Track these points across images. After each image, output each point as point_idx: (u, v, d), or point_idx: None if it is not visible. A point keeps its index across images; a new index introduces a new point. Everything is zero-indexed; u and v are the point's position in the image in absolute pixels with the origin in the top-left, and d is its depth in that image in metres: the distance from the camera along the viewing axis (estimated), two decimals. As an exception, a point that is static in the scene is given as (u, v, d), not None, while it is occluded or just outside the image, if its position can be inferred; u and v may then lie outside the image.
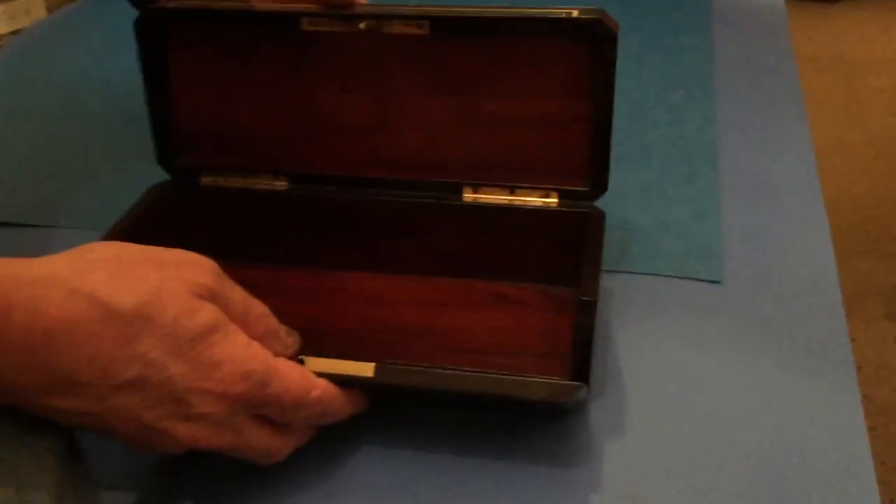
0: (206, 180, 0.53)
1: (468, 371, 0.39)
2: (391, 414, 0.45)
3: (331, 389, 0.39)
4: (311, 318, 0.42)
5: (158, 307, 0.33)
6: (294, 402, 0.37)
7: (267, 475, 0.42)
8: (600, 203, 0.55)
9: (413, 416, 0.45)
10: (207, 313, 0.35)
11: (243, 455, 0.38)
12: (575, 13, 0.45)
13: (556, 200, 0.50)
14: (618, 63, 0.79)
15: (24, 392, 0.33)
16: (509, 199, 0.50)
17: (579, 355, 0.41)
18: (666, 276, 0.55)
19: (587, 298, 0.41)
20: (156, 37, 0.49)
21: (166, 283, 0.34)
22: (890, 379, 1.14)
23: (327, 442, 0.43)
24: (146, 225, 0.50)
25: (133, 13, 0.68)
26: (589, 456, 0.44)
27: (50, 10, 1.63)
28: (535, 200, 0.50)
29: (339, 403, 0.40)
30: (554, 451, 0.44)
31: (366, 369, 0.39)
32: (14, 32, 1.60)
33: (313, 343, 0.41)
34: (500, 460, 0.43)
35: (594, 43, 0.45)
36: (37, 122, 0.75)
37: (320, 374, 0.39)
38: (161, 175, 0.55)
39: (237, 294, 0.38)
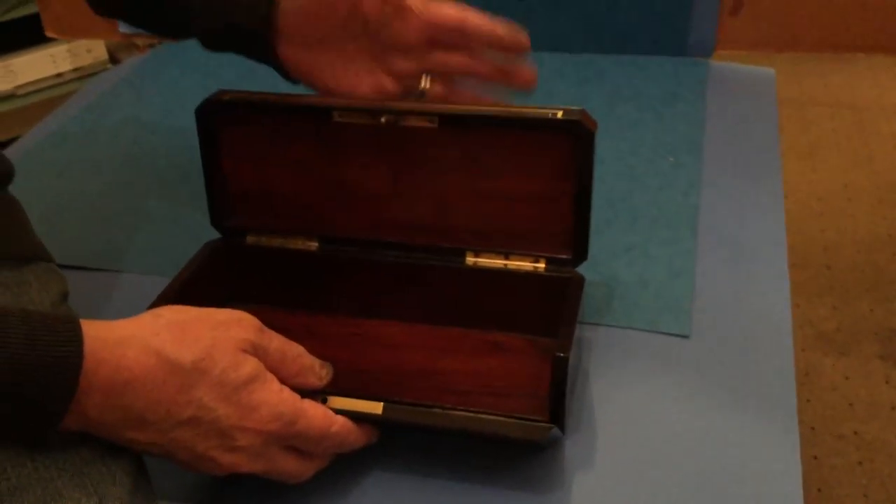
0: (250, 239, 0.63)
1: (458, 411, 0.49)
2: (391, 444, 0.54)
3: (348, 425, 0.48)
4: (333, 359, 0.51)
5: (210, 362, 0.43)
6: (317, 436, 0.47)
7: (288, 492, 0.52)
8: (589, 262, 0.64)
9: (409, 446, 0.54)
10: (250, 366, 0.44)
11: (275, 478, 0.47)
12: (559, 114, 0.54)
13: (543, 265, 0.59)
14: (614, 128, 0.88)
15: (105, 427, 0.42)
16: (504, 264, 0.59)
17: (554, 402, 0.50)
18: (641, 329, 0.64)
19: (561, 355, 0.50)
20: (212, 120, 0.59)
21: (217, 341, 0.43)
22: (879, 416, 1.20)
23: (336, 466, 0.52)
24: (202, 276, 0.60)
25: (192, 68, 0.77)
26: (562, 485, 0.52)
27: (110, 49, 1.76)
28: (526, 265, 0.59)
29: (355, 436, 0.49)
30: (531, 480, 0.52)
31: (375, 407, 0.49)
32: (76, 69, 1.72)
33: (334, 380, 0.50)
34: (485, 486, 0.52)
35: (575, 138, 0.54)
36: (105, 174, 0.85)
37: (339, 411, 0.48)
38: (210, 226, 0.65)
39: (275, 342, 0.47)
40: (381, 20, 0.57)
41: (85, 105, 0.98)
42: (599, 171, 0.79)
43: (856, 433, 1.18)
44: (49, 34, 1.19)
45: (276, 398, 0.45)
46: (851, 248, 1.50)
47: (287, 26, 0.58)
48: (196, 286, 0.58)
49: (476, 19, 0.57)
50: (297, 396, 0.46)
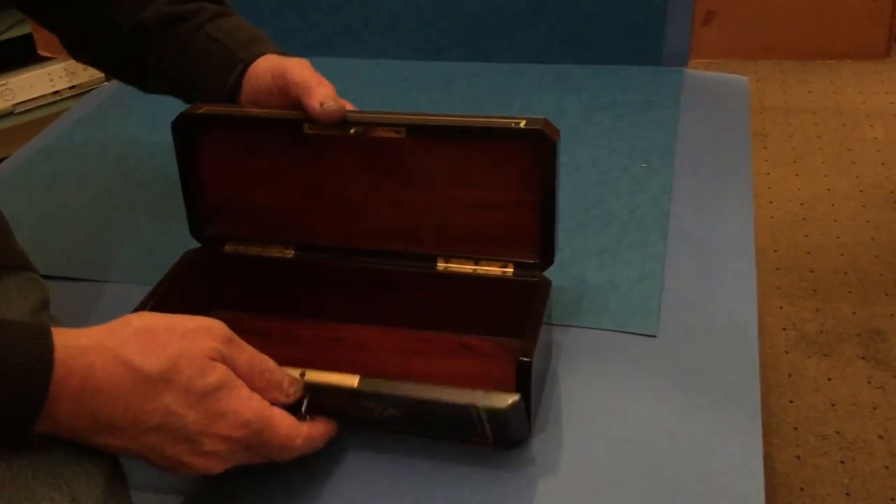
0: (228, 248, 0.65)
1: (428, 384, 0.50)
2: (371, 444, 0.56)
3: (312, 438, 0.50)
4: (311, 364, 0.52)
5: (177, 370, 0.44)
6: (280, 447, 0.48)
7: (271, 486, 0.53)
8: (561, 265, 0.66)
9: (382, 448, 0.56)
10: (217, 374, 0.45)
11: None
12: (522, 123, 0.56)
13: (511, 270, 0.61)
14: (591, 135, 0.90)
15: (75, 432, 0.44)
16: (474, 269, 0.61)
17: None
18: (609, 329, 0.66)
19: (525, 359, 0.51)
20: (187, 133, 0.62)
21: (185, 350, 0.44)
22: (860, 415, 1.22)
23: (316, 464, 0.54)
24: (181, 284, 0.62)
25: None
26: (529, 483, 0.54)
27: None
28: (494, 270, 0.61)
29: (318, 443, 0.51)
30: (500, 479, 0.54)
31: (352, 381, 0.51)
32: (72, 87, 1.74)
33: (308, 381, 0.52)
34: (455, 485, 0.54)
35: (537, 147, 0.56)
36: (91, 187, 0.87)
37: (316, 385, 0.50)
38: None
39: (245, 354, 0.47)
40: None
41: (74, 121, 1.00)
42: (574, 177, 0.82)
43: (838, 433, 1.19)
44: (42, 53, 1.21)
45: (243, 406, 0.46)
46: (835, 251, 1.52)
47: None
48: (176, 294, 0.60)
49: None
50: (266, 404, 0.47)
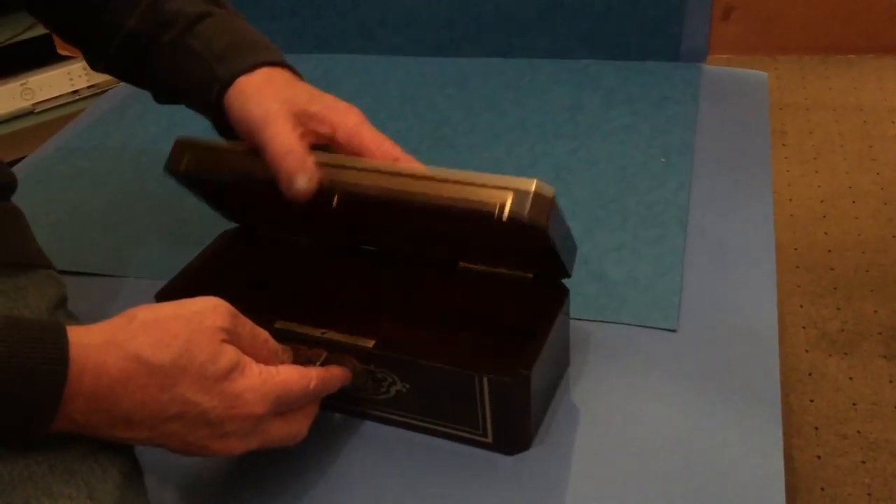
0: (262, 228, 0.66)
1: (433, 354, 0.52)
2: (377, 445, 0.56)
3: (324, 376, 0.51)
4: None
5: (189, 358, 0.44)
6: (299, 396, 0.49)
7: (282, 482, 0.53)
8: (580, 260, 0.66)
9: (394, 442, 0.57)
10: (227, 356, 0.45)
11: (273, 446, 0.49)
12: (505, 212, 0.49)
13: (531, 274, 0.60)
14: (608, 131, 0.90)
15: (93, 428, 0.43)
16: (492, 269, 0.61)
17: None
18: (629, 324, 0.65)
19: (524, 372, 0.51)
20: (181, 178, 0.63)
21: (193, 335, 0.44)
22: (882, 415, 1.20)
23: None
24: (216, 259, 0.64)
25: None
26: (547, 479, 0.54)
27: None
28: (513, 273, 0.60)
29: (333, 383, 0.52)
30: (518, 475, 0.54)
31: (367, 342, 0.54)
32: (91, 86, 1.75)
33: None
34: (468, 482, 0.54)
35: (528, 231, 0.51)
36: (110, 185, 0.88)
37: (335, 343, 0.54)
38: (212, 233, 0.67)
39: (247, 327, 0.48)
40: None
41: (92, 120, 1.01)
42: (592, 173, 0.82)
43: (859, 433, 1.18)
44: (61, 52, 1.22)
45: (258, 382, 0.46)
46: (856, 249, 1.51)
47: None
48: (208, 270, 0.62)
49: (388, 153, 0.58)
50: (272, 370, 0.48)
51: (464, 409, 0.54)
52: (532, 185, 0.49)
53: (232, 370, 0.45)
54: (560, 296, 0.58)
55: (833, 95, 1.92)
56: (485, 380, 0.51)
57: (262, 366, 0.47)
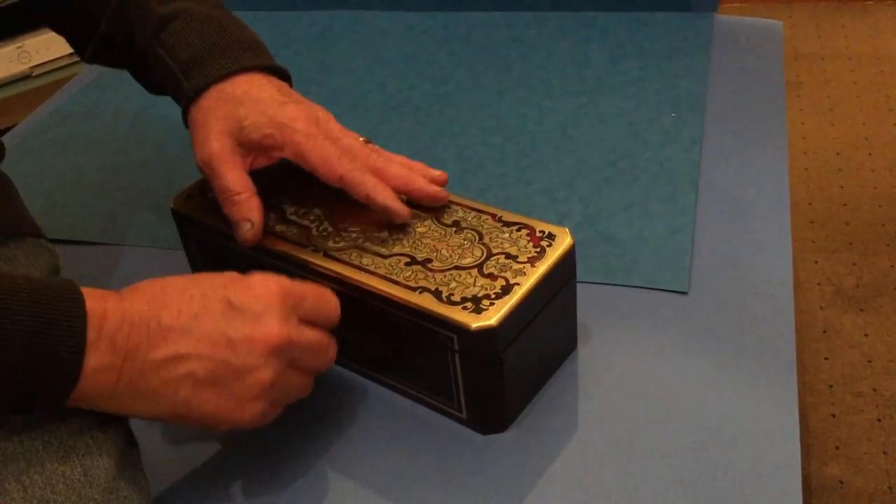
0: None
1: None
2: (376, 423, 0.55)
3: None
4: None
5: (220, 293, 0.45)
6: (327, 303, 0.49)
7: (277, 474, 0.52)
8: (588, 221, 0.63)
9: (393, 418, 0.55)
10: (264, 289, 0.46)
11: (289, 401, 0.49)
12: (454, 341, 0.50)
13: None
14: (617, 86, 0.87)
15: (132, 354, 0.42)
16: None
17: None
18: (639, 287, 0.63)
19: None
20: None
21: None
22: (898, 373, 1.19)
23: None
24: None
25: None
26: (559, 441, 0.52)
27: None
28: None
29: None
30: (524, 440, 0.53)
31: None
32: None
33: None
34: (476, 456, 0.53)
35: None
36: (105, 150, 0.86)
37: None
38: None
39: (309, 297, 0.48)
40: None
41: (86, 84, 0.98)
42: (600, 130, 0.79)
43: (875, 390, 1.16)
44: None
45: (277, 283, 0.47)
46: (872, 202, 1.47)
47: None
48: None
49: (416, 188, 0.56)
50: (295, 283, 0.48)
51: (440, 378, 0.52)
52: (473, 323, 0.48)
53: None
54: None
55: (849, 44, 1.87)
56: (454, 339, 0.49)
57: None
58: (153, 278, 0.46)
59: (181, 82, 0.56)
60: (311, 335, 0.47)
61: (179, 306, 0.43)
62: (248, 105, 0.55)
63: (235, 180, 0.54)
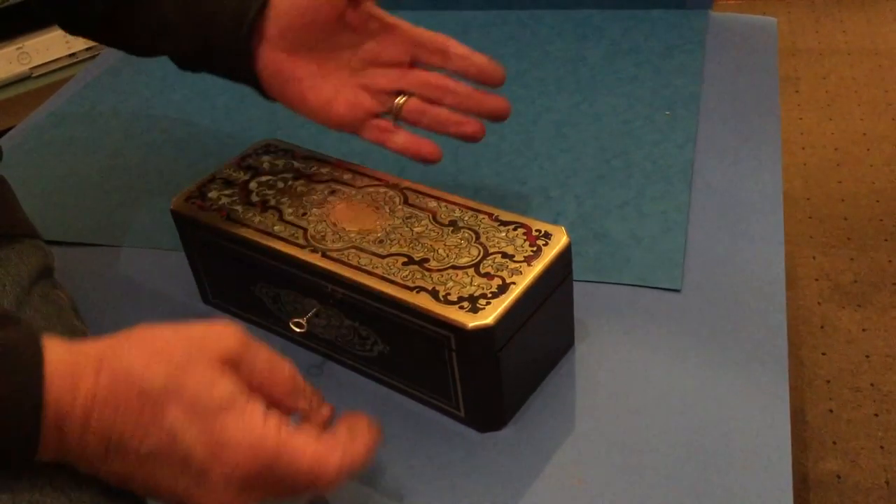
0: None
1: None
2: (361, 399, 0.55)
3: (349, 460, 0.40)
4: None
5: (181, 381, 0.38)
6: (306, 481, 0.39)
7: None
8: (582, 219, 0.63)
9: (380, 400, 0.56)
10: (225, 385, 0.38)
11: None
12: (452, 341, 0.50)
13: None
14: (612, 84, 0.87)
15: (86, 460, 0.38)
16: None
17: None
18: (632, 284, 0.63)
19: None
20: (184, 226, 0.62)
21: (192, 357, 0.39)
22: (895, 367, 1.19)
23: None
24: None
25: None
26: (550, 439, 0.53)
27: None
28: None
29: (359, 459, 0.41)
30: (515, 440, 0.53)
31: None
32: (89, 49, 1.73)
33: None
34: (474, 454, 0.53)
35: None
36: (103, 151, 0.86)
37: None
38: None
39: (262, 355, 0.41)
40: (366, 33, 0.56)
41: (84, 84, 0.99)
42: (595, 127, 0.80)
43: (872, 385, 1.17)
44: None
45: (255, 434, 0.39)
46: (870, 198, 1.48)
47: (275, 28, 0.54)
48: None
49: (459, 45, 0.56)
50: (284, 432, 0.39)
51: (437, 377, 0.53)
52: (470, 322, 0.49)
53: (226, 407, 0.38)
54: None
55: (847, 39, 1.87)
56: (451, 338, 0.50)
57: (273, 413, 0.40)
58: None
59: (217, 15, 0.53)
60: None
61: (140, 435, 0.38)
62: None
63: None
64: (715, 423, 0.53)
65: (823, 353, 1.22)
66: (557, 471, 0.51)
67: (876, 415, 1.13)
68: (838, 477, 1.06)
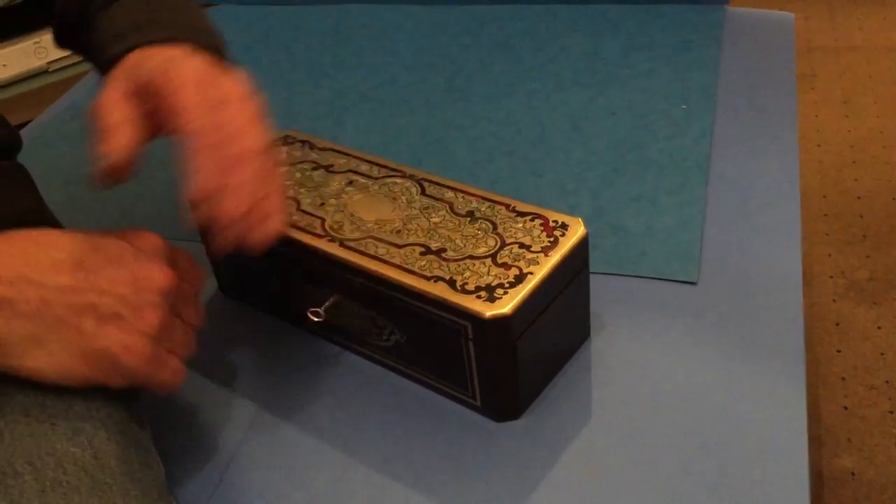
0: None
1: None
2: (390, 410, 0.55)
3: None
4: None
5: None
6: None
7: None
8: (597, 212, 0.63)
9: (395, 389, 0.56)
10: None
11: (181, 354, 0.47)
12: (469, 330, 0.50)
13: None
14: (628, 78, 0.87)
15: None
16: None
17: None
18: (648, 277, 0.63)
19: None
20: None
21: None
22: (911, 365, 1.18)
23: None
24: None
25: None
26: (565, 434, 0.53)
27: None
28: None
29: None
30: (531, 430, 0.53)
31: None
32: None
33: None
34: (489, 443, 0.53)
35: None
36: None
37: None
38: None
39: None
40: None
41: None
42: (610, 122, 0.80)
43: (887, 383, 1.16)
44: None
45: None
46: (886, 195, 1.47)
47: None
48: None
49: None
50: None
51: (454, 366, 0.53)
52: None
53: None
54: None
55: (864, 36, 1.86)
56: (468, 327, 0.50)
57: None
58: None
59: (107, 49, 0.51)
60: (187, 287, 0.48)
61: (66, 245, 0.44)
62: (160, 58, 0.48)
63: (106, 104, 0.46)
64: (731, 416, 0.53)
65: (838, 351, 1.21)
66: (573, 461, 0.51)
67: (891, 412, 1.12)
68: (853, 474, 1.06)
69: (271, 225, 0.47)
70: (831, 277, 1.33)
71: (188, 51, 0.49)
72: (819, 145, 1.60)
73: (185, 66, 0.47)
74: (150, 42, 0.49)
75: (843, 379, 1.17)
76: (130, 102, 0.47)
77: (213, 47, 0.52)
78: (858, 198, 1.47)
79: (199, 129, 0.47)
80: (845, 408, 1.14)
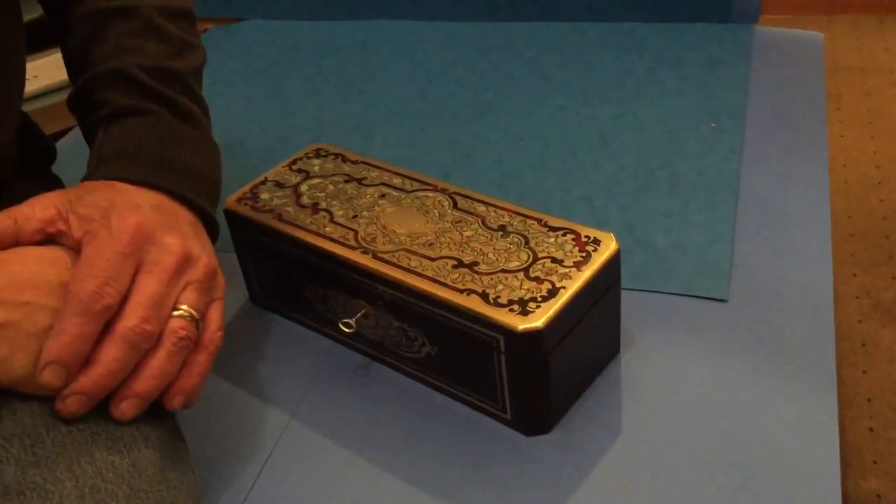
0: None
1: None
2: (420, 422, 0.56)
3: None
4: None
5: None
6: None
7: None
8: (627, 228, 0.63)
9: (424, 401, 0.56)
10: None
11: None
12: (501, 342, 0.51)
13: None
14: (656, 95, 0.88)
15: None
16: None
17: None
18: (678, 294, 0.63)
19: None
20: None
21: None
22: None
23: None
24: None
25: (240, 50, 0.77)
26: (594, 449, 0.53)
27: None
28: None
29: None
30: (560, 444, 0.53)
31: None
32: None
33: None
34: (519, 457, 0.53)
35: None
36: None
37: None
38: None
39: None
40: None
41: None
42: (639, 139, 0.80)
43: (911, 402, 1.15)
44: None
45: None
46: (910, 216, 1.46)
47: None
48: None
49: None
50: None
51: (485, 379, 0.53)
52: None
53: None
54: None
55: (890, 57, 1.85)
56: (500, 340, 0.50)
57: None
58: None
59: (92, 165, 0.52)
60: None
61: None
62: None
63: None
64: (760, 434, 0.53)
65: (864, 372, 1.20)
66: (603, 475, 0.51)
67: (915, 433, 1.11)
68: (878, 496, 1.05)
69: (126, 407, 0.44)
70: (857, 298, 1.32)
71: (148, 201, 0.48)
72: (844, 165, 1.59)
73: (126, 218, 0.45)
74: (120, 178, 0.49)
75: (869, 400, 1.16)
76: (48, 229, 0.46)
77: (198, 193, 0.51)
78: (884, 218, 1.46)
79: (83, 291, 0.42)
80: (871, 429, 1.12)
